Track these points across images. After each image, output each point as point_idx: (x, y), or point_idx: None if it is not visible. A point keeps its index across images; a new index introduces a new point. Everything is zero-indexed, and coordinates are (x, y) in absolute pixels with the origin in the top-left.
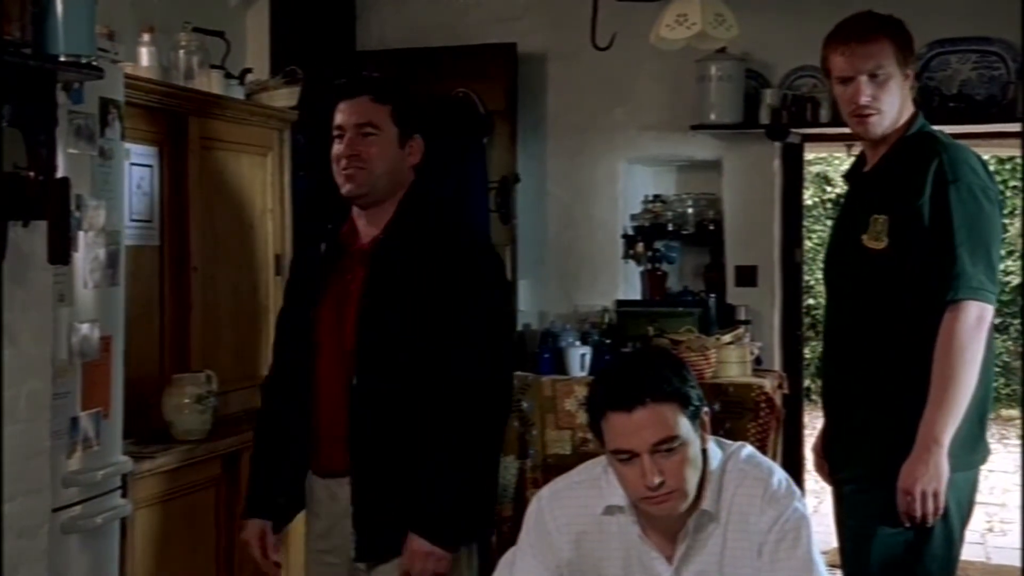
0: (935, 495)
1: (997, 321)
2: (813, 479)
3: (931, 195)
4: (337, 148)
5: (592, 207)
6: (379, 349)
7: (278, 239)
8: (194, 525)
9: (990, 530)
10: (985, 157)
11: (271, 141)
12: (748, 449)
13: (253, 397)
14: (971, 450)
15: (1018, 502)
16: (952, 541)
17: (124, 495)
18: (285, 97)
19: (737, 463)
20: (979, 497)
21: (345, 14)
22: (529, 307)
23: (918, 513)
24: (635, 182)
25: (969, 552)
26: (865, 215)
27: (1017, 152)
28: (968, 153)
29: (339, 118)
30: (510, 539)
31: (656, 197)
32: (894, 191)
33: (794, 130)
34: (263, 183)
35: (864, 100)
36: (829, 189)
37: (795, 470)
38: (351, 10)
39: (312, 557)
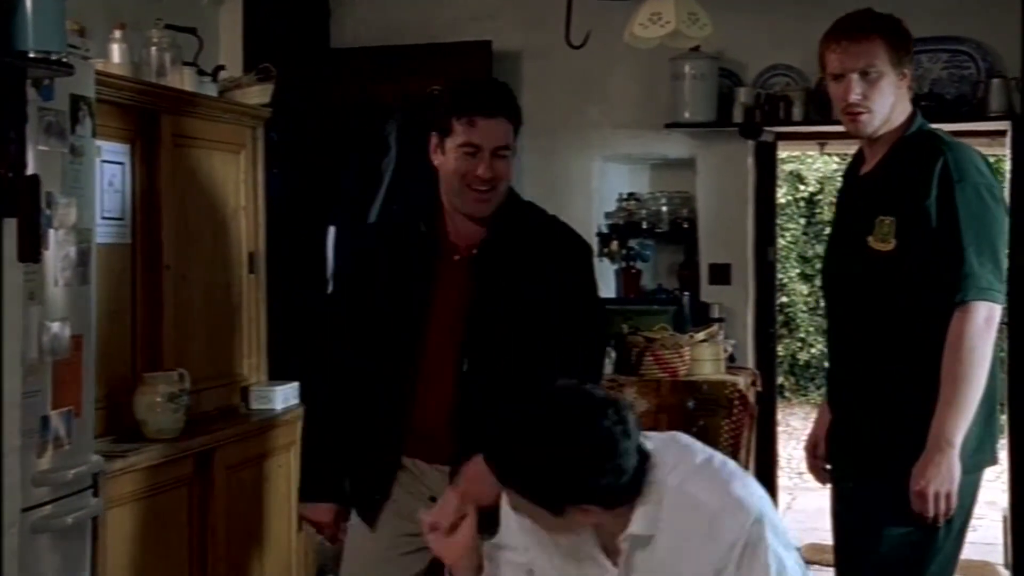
0: (947, 496)
1: None
2: (786, 476)
3: (937, 195)
4: (468, 165)
5: (566, 205)
6: (490, 339)
7: (251, 237)
8: (167, 524)
9: None
10: None
11: (244, 138)
12: (686, 468)
13: (227, 395)
14: (977, 450)
15: (1006, 499)
16: (955, 540)
17: (96, 494)
18: (258, 94)
19: (678, 487)
20: None
21: (319, 11)
22: None
23: (931, 514)
24: (609, 180)
25: None
26: (870, 217)
27: (988, 150)
28: (972, 152)
29: (475, 136)
30: None
31: (630, 195)
32: (900, 192)
33: (767, 128)
34: (236, 181)
35: (854, 98)
36: (802, 187)
37: (768, 467)
38: (325, 7)
39: (393, 541)
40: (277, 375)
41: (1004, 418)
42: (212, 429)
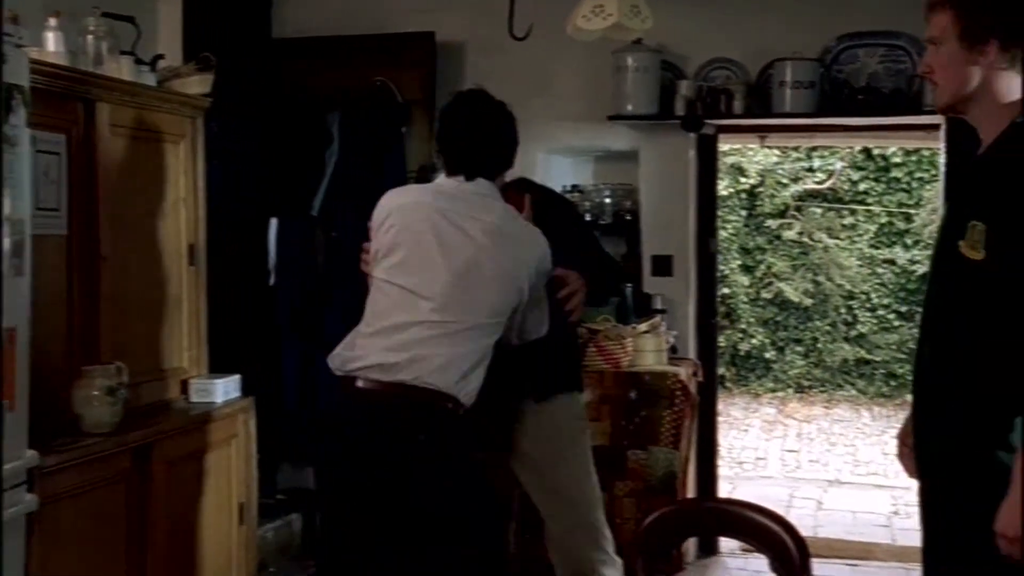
0: None
1: (903, 309)
2: (727, 465)
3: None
4: None
5: None
6: None
7: (191, 228)
8: (104, 520)
9: (895, 513)
10: (891, 149)
11: (184, 129)
12: None
13: (166, 388)
14: None
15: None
16: None
17: (30, 490)
18: (198, 84)
19: None
20: (884, 481)
21: (260, 1)
22: None
23: (1018, 557)
24: (553, 172)
25: (875, 534)
26: (965, 218)
27: (923, 144)
28: None
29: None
30: None
31: (574, 187)
32: (993, 195)
33: (708, 121)
34: (176, 171)
35: (921, 69)
36: (743, 180)
37: (708, 456)
38: None
39: None
40: (218, 368)
41: None
42: (151, 423)
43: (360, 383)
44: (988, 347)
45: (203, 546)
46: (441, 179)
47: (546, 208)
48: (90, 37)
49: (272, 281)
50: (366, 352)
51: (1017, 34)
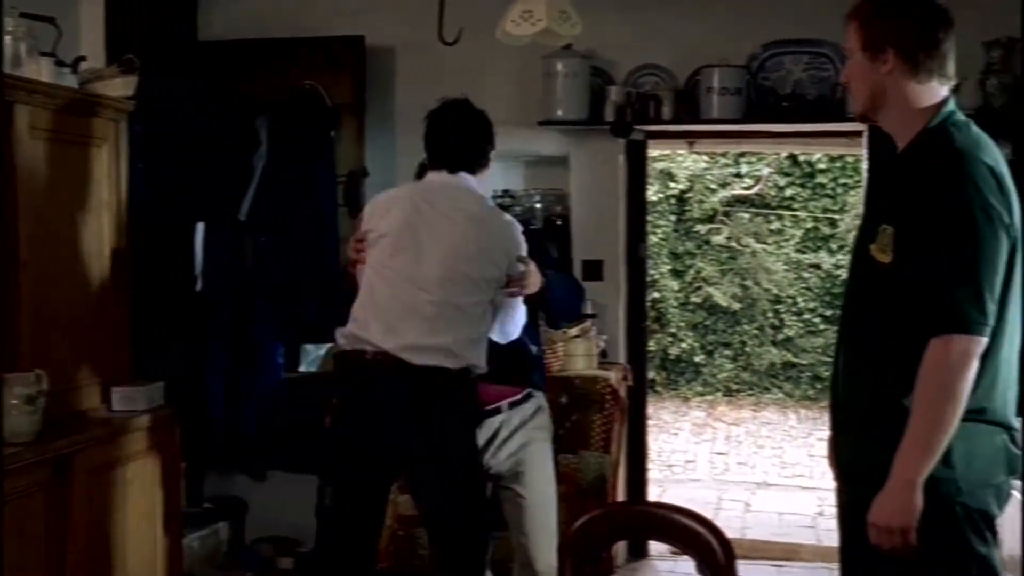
0: (903, 531)
1: (828, 313)
2: (657, 469)
3: (927, 211)
4: None
5: None
6: None
7: (115, 233)
8: (22, 532)
9: (820, 514)
10: (817, 155)
11: (107, 132)
12: None
13: (88, 396)
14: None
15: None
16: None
17: None
18: (121, 87)
19: None
20: (810, 482)
21: (186, 2)
22: None
23: (887, 547)
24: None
25: (801, 535)
26: (876, 222)
27: (846, 151)
28: (978, 163)
29: None
30: None
31: (505, 192)
32: (899, 200)
33: (638, 127)
34: (98, 175)
35: (841, 78)
36: (673, 185)
37: (638, 460)
38: None
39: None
40: (142, 375)
41: None
42: (71, 432)
43: (368, 355)
44: (898, 350)
45: (126, 557)
46: (428, 175)
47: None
48: (8, 38)
49: (199, 287)
50: (370, 334)
51: (912, 42)
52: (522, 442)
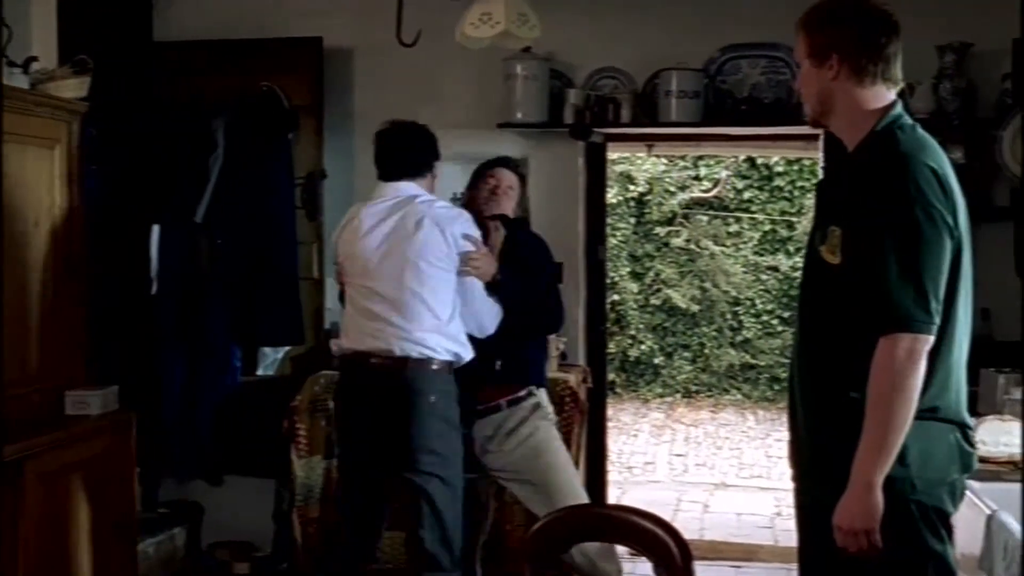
0: (868, 532)
1: (786, 315)
2: (616, 471)
3: (871, 212)
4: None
5: None
6: None
7: (68, 236)
8: None
9: (778, 514)
10: (774, 158)
11: (59, 133)
12: None
13: (41, 400)
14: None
15: None
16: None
17: None
18: (74, 88)
19: None
20: (768, 483)
21: (141, 2)
22: (336, 305)
23: (852, 549)
24: (443, 179)
25: (759, 536)
26: (825, 223)
27: (803, 154)
28: (920, 166)
29: (492, 182)
30: (316, 540)
31: (464, 194)
32: (847, 202)
33: (597, 130)
34: (51, 177)
35: (796, 86)
36: (632, 188)
37: (598, 462)
38: None
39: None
40: (97, 379)
41: None
42: (23, 437)
43: (345, 356)
44: (850, 350)
45: (80, 564)
46: (377, 187)
47: (518, 235)
48: None
49: (154, 290)
50: (358, 339)
51: (855, 48)
52: (529, 431)
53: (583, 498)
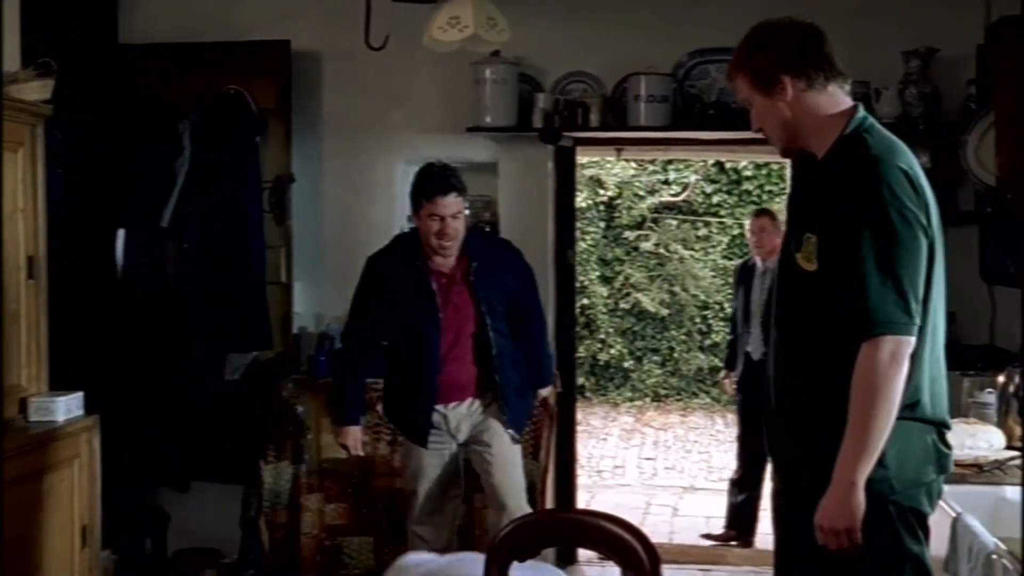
0: (849, 532)
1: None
2: (586, 474)
3: (846, 218)
4: (438, 227)
5: (369, 209)
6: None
7: (31, 240)
8: None
9: None
10: (743, 163)
11: (22, 136)
12: None
13: (3, 407)
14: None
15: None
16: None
17: None
18: (37, 90)
19: None
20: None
21: (106, 4)
22: (305, 309)
23: (833, 548)
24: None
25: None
26: (800, 230)
27: (772, 158)
28: (893, 168)
29: (437, 209)
30: (283, 546)
31: None
32: (822, 208)
33: (566, 134)
34: (14, 180)
35: (754, 129)
36: (602, 192)
37: (567, 465)
38: (113, 0)
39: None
40: (61, 385)
41: None
42: None
43: None
44: (829, 356)
45: (43, 571)
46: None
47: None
48: None
49: (120, 295)
50: None
51: (796, 60)
52: (482, 416)
53: (518, 472)
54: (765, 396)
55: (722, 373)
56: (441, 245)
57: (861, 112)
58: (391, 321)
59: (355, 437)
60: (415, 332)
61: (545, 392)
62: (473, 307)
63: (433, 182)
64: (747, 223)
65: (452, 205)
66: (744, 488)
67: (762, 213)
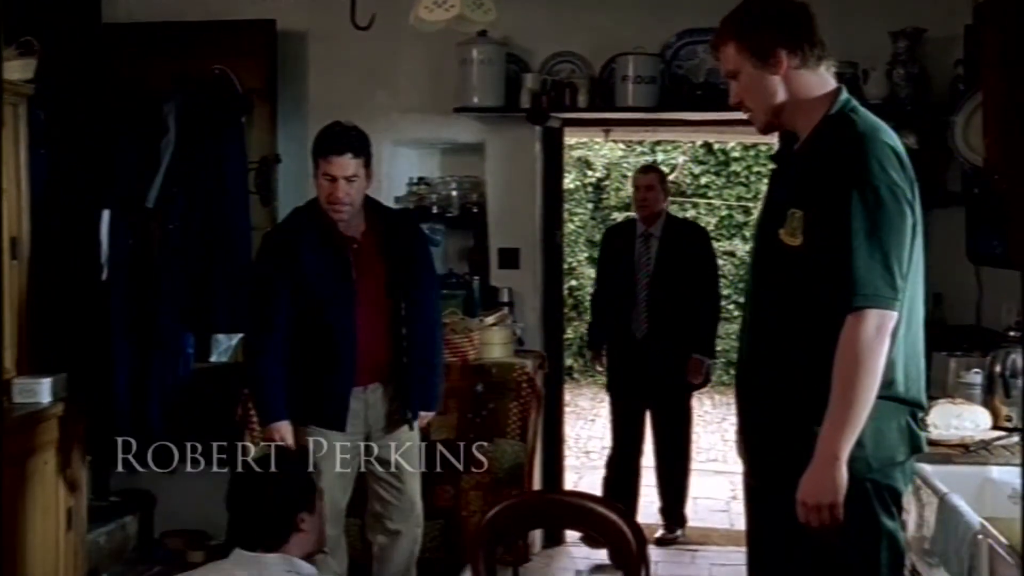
0: (832, 507)
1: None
2: (573, 455)
3: (836, 192)
4: (329, 189)
5: None
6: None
7: (13, 221)
8: None
9: (734, 498)
10: (731, 144)
11: (5, 116)
12: None
13: None
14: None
15: None
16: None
17: None
18: (19, 69)
19: None
20: (723, 467)
21: None
22: None
23: (815, 524)
24: (399, 165)
25: (714, 519)
26: (783, 207)
27: (760, 139)
28: (882, 145)
29: (331, 168)
30: None
31: (421, 180)
32: (808, 185)
33: (554, 114)
34: None
35: (733, 101)
36: (590, 173)
37: (555, 446)
38: None
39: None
40: (43, 367)
41: None
42: None
43: None
44: (806, 330)
45: (28, 554)
46: None
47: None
48: None
49: (104, 276)
50: None
51: (793, 36)
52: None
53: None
54: (737, 378)
55: (590, 354)
56: (333, 209)
57: (845, 94)
58: (300, 297)
59: (285, 431)
60: (327, 301)
61: (428, 417)
62: (385, 279)
63: (329, 140)
64: (632, 178)
65: (348, 166)
66: (620, 467)
67: (651, 169)
